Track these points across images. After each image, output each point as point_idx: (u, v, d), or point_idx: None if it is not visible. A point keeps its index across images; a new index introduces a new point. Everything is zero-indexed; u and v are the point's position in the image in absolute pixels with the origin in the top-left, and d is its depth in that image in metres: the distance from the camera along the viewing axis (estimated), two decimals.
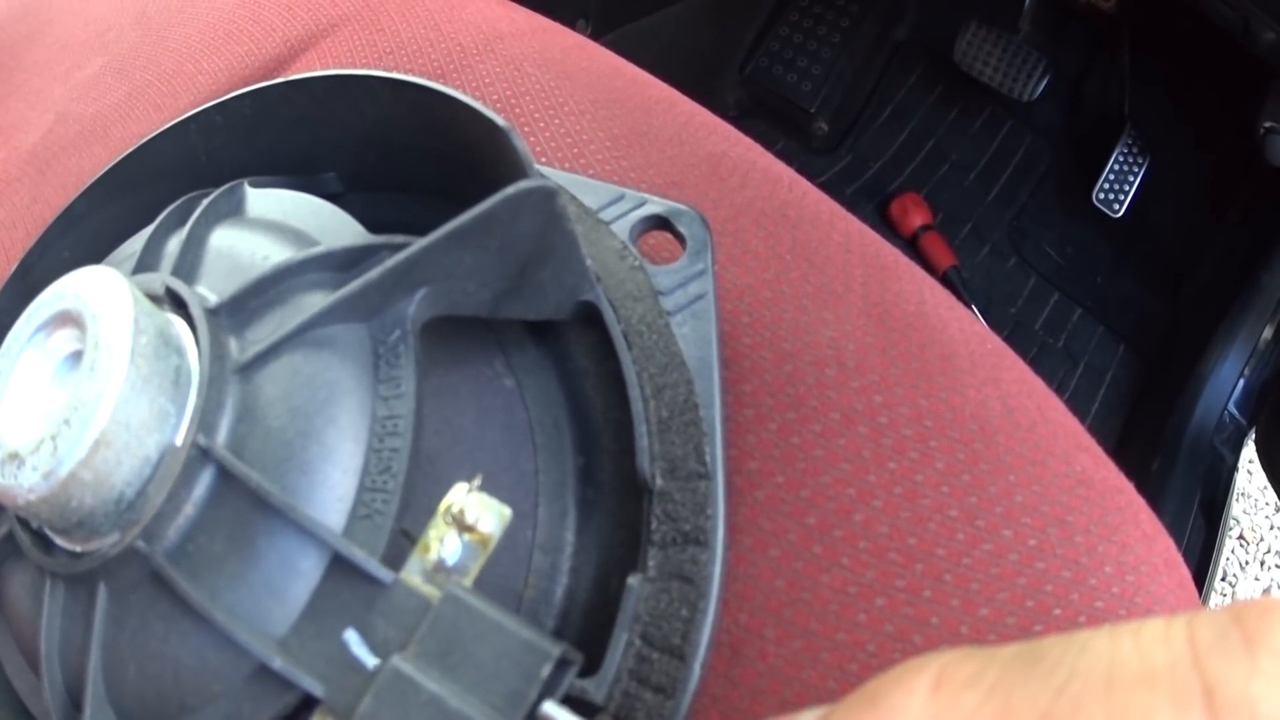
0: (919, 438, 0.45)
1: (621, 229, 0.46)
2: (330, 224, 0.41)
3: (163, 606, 0.33)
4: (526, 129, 0.55)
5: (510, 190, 0.35)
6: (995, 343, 0.50)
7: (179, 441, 0.33)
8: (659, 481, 0.40)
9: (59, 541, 0.36)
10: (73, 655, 0.36)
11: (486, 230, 0.35)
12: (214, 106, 0.46)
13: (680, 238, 0.45)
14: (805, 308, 0.48)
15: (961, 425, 0.45)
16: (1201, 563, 1.38)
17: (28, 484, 0.32)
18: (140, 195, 0.47)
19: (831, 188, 1.86)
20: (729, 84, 1.92)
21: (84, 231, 0.48)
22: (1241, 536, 2.03)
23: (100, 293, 0.34)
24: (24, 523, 0.37)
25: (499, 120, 0.39)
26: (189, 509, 0.33)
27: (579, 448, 0.42)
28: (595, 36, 1.61)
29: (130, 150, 0.47)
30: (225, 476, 0.33)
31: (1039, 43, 1.79)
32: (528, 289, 0.39)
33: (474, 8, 0.65)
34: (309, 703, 0.32)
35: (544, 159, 0.53)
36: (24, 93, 0.76)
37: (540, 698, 0.31)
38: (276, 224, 0.42)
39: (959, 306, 0.52)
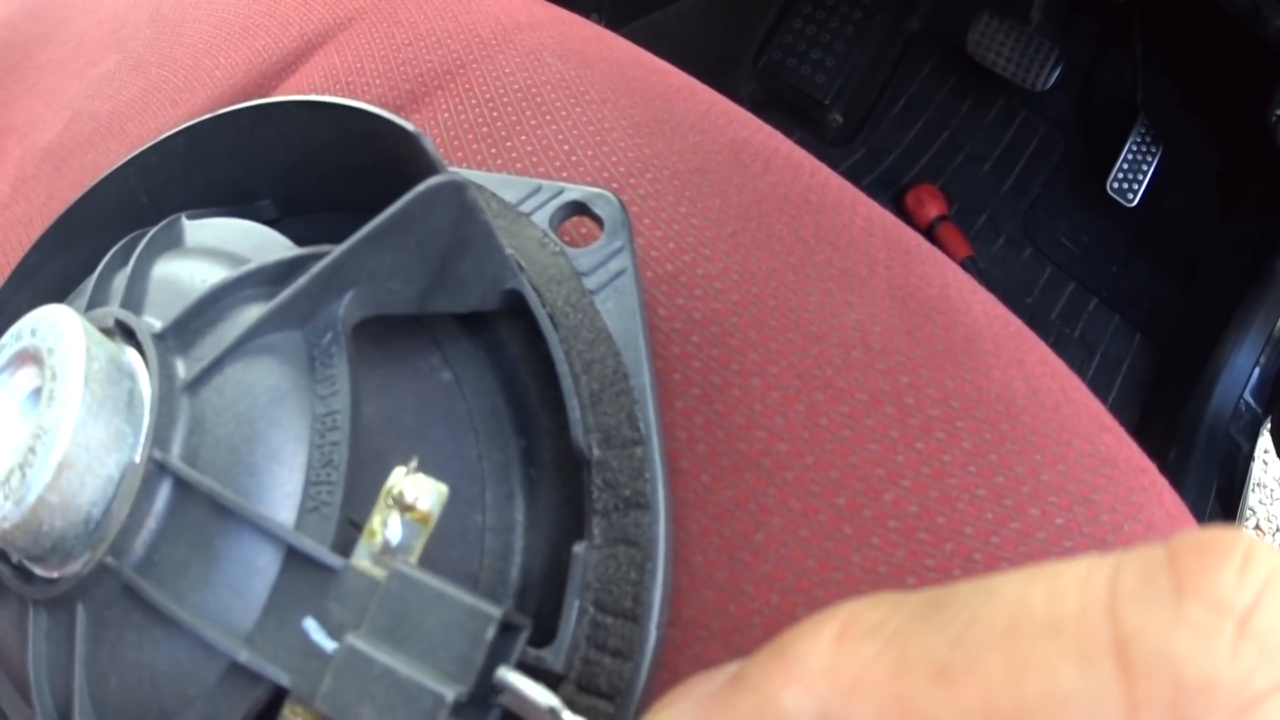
0: (946, 418, 0.45)
1: (541, 218, 0.47)
2: (262, 243, 0.43)
3: (136, 617, 0.34)
4: (548, 118, 0.55)
5: (420, 187, 0.37)
6: (1017, 325, 0.50)
7: (137, 459, 0.35)
8: (596, 452, 0.41)
9: (37, 570, 0.37)
10: (59, 678, 0.37)
11: (403, 228, 0.37)
12: (150, 148, 0.48)
13: (598, 220, 0.47)
14: (830, 291, 0.48)
15: (987, 406, 0.45)
16: None
17: (1, 514, 0.33)
18: (88, 242, 0.48)
19: (847, 179, 1.85)
20: (742, 77, 1.93)
21: (39, 283, 0.50)
22: (1258, 527, 2.04)
23: (54, 328, 0.36)
24: (4, 558, 0.39)
25: (408, 126, 0.40)
26: (151, 521, 0.34)
27: (519, 430, 0.44)
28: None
29: (74, 200, 0.49)
30: (182, 487, 0.35)
31: (1051, 33, 1.80)
32: (451, 283, 0.40)
33: None
34: (280, 694, 0.33)
35: (566, 146, 0.53)
36: (38, 90, 0.77)
37: (489, 661, 0.32)
38: (212, 250, 0.43)
39: (981, 290, 0.52)
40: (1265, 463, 2.07)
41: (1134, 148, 1.74)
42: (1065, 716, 0.18)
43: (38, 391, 0.36)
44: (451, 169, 0.41)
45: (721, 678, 0.25)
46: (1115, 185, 1.72)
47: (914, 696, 0.20)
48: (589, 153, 0.53)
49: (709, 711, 0.25)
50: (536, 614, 0.40)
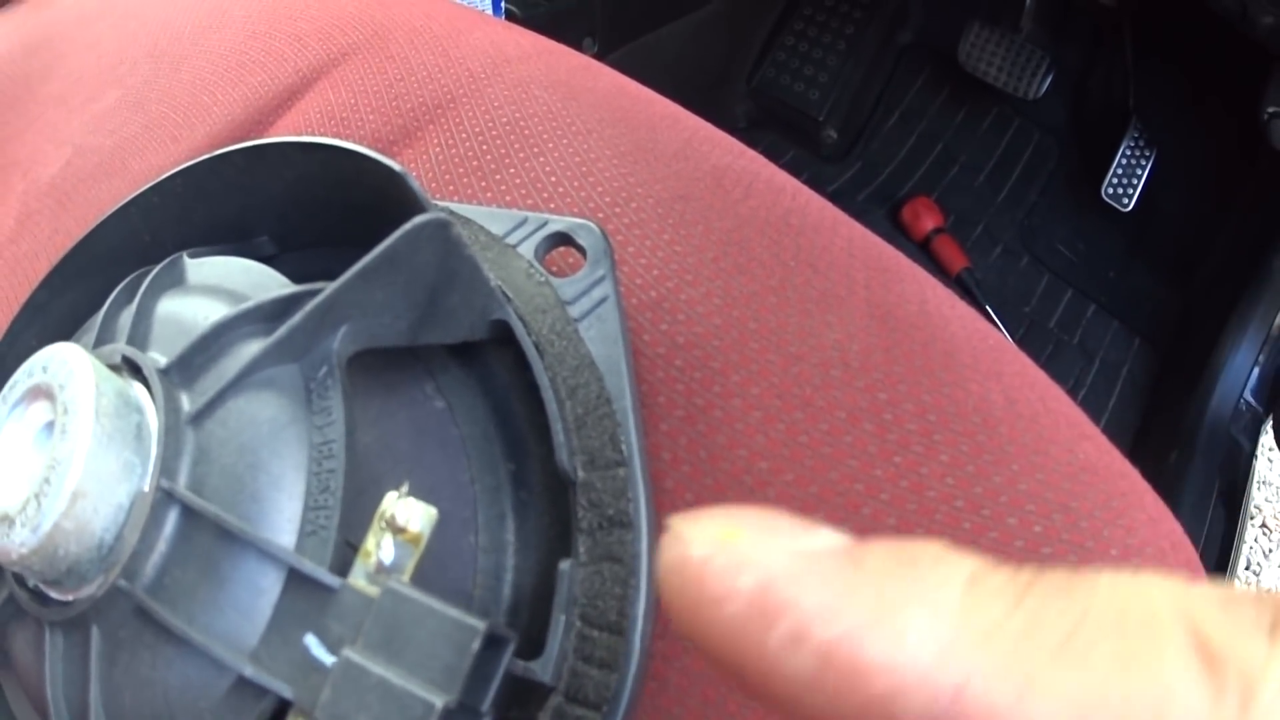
0: (923, 432, 0.46)
1: (527, 249, 0.49)
2: (260, 281, 0.45)
3: (148, 636, 0.36)
4: (535, 150, 0.56)
5: (407, 226, 0.39)
6: (996, 338, 0.51)
7: (146, 488, 0.37)
8: (580, 474, 0.42)
9: (53, 594, 0.39)
10: (76, 697, 0.38)
11: (391, 265, 0.39)
12: (150, 189, 0.49)
13: (581, 249, 0.48)
14: (810, 311, 0.49)
15: (965, 419, 0.46)
16: (1223, 552, 1.39)
17: (19, 540, 0.35)
18: (94, 279, 0.50)
19: (843, 195, 1.87)
20: (737, 96, 1.94)
21: (48, 319, 0.51)
22: (1264, 525, 2.03)
23: (64, 365, 0.37)
24: (21, 583, 0.40)
25: (395, 166, 0.42)
26: (161, 546, 0.36)
27: (509, 455, 0.45)
28: (602, 54, 1.63)
29: (80, 239, 0.50)
30: (189, 514, 0.36)
31: (1042, 40, 1.80)
32: (441, 315, 0.42)
33: (480, 33, 0.66)
34: (284, 706, 0.35)
35: (553, 178, 0.55)
36: (40, 126, 0.78)
37: (477, 671, 0.33)
38: (213, 287, 0.45)
39: (960, 304, 0.53)
40: (1270, 460, 2.07)
41: (1128, 152, 1.74)
42: (1163, 712, 0.19)
43: (50, 425, 0.37)
44: (441, 204, 0.42)
45: (827, 552, 0.23)
46: (1110, 190, 1.73)
47: (1036, 668, 0.21)
48: (575, 184, 0.54)
49: (832, 590, 0.23)
50: (528, 629, 0.42)
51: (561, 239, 0.49)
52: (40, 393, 0.38)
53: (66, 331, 0.49)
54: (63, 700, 0.38)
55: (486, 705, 0.34)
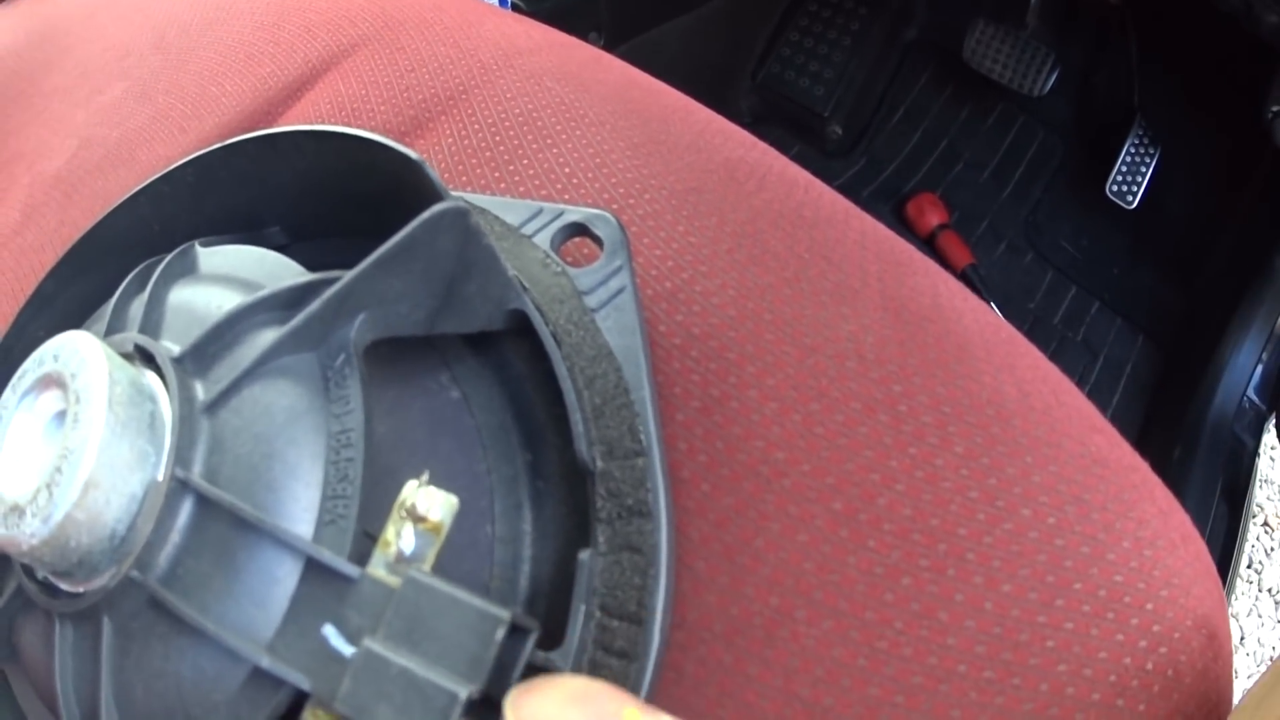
0: (938, 424, 0.46)
1: (543, 240, 0.49)
2: (274, 269, 0.45)
3: (161, 628, 0.36)
4: (549, 141, 0.56)
5: (425, 215, 0.38)
6: (1009, 331, 0.51)
7: (160, 477, 0.36)
8: (599, 463, 0.42)
9: (63, 586, 0.38)
10: (86, 689, 0.38)
11: (409, 254, 0.39)
12: (160, 178, 0.49)
13: (597, 240, 0.48)
14: (824, 304, 0.49)
15: (979, 411, 0.47)
16: (1225, 550, 1.38)
17: (29, 530, 0.35)
18: (103, 270, 0.50)
19: (848, 191, 1.86)
20: (742, 91, 1.94)
21: (55, 310, 0.51)
22: (1266, 523, 2.03)
23: (76, 353, 0.37)
24: (30, 574, 0.40)
25: (411, 154, 0.42)
26: (175, 536, 0.36)
27: (526, 445, 0.45)
28: (607, 49, 1.62)
29: (88, 229, 0.50)
30: (204, 503, 0.36)
31: (1047, 37, 1.80)
32: (458, 304, 0.42)
33: (491, 24, 0.66)
34: (301, 698, 0.35)
35: (567, 169, 0.55)
36: (45, 118, 0.78)
37: (500, 662, 0.33)
38: (226, 276, 0.45)
39: (973, 298, 0.53)
40: (1273, 458, 2.06)
41: (1132, 149, 1.74)
42: None
43: (61, 414, 0.37)
44: (455, 193, 0.42)
45: None
46: (1115, 188, 1.73)
47: None
48: (589, 175, 0.54)
49: None
50: (545, 619, 0.41)
51: (578, 229, 0.49)
52: (51, 381, 0.38)
53: (74, 323, 0.48)
54: (72, 694, 0.38)
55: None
